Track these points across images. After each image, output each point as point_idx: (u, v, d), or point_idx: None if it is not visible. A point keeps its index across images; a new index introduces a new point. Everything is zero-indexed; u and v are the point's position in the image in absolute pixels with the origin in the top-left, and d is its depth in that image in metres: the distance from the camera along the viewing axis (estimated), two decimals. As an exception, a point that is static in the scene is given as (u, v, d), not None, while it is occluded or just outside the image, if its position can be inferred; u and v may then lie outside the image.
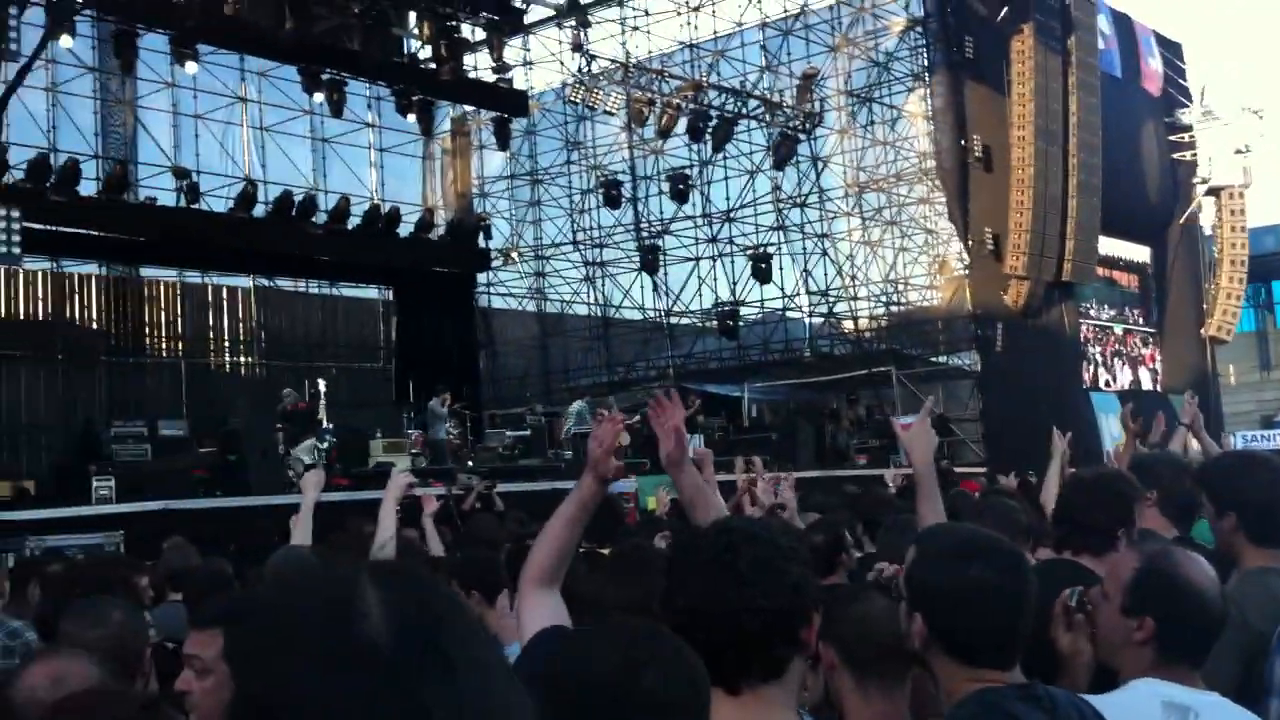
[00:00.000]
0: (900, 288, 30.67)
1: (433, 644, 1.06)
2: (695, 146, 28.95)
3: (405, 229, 26.19)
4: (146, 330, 25.67)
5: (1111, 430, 25.01)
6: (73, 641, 3.46)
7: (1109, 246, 27.85)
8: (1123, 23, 29.97)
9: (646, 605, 2.88)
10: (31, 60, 15.90)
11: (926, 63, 26.83)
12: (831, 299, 30.09)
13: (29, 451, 22.31)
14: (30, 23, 18.17)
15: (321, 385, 20.37)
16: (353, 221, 24.97)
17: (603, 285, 32.58)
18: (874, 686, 2.84)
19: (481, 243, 28.48)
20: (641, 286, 32.00)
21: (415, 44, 26.83)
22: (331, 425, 19.12)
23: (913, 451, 3.97)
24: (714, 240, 30.80)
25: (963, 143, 24.38)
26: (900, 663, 2.82)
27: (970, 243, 24.68)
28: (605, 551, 4.91)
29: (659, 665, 1.89)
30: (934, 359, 28.65)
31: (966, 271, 26.56)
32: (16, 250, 14.20)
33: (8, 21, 13.18)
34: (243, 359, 27.46)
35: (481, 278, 29.95)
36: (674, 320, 32.05)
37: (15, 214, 13.96)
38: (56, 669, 2.84)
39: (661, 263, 30.64)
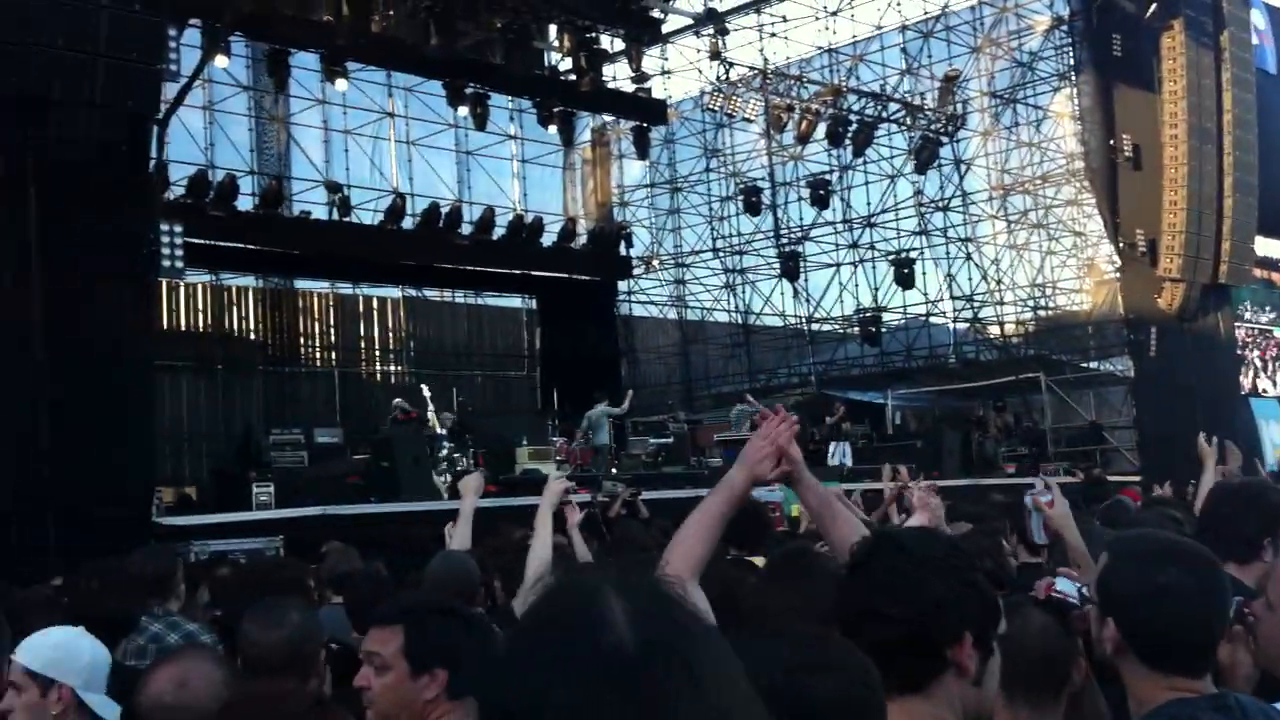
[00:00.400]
0: (1048, 291, 30.01)
1: (677, 654, 1.07)
2: (835, 151, 28.81)
3: (548, 239, 26.54)
4: (301, 340, 26.49)
5: (1274, 438, 24.19)
6: (253, 642, 3.58)
7: (1267, 247, 26.91)
8: (1276, 17, 28.95)
9: (807, 610, 2.86)
10: (191, 81, 16.39)
11: (1072, 62, 26.22)
12: (976, 304, 29.60)
13: (190, 459, 23.10)
14: (187, 44, 18.85)
15: (426, 391, 19.53)
16: (497, 232, 25.41)
17: (743, 292, 32.60)
18: (1024, 706, 2.74)
19: (622, 251, 28.71)
20: (782, 293, 31.98)
21: (555, 56, 27.18)
22: (444, 432, 18.75)
23: (1065, 531, 3.92)
24: (855, 246, 30.55)
25: (1111, 142, 23.79)
26: (1054, 682, 2.77)
27: (1121, 245, 24.05)
28: (757, 560, 4.94)
29: (828, 669, 1.89)
30: (1084, 364, 27.98)
31: (1117, 274, 25.89)
32: (179, 264, 14.65)
33: (168, 43, 13.62)
34: (393, 368, 28.14)
35: (623, 286, 30.23)
36: (815, 327, 31.89)
37: (178, 229, 14.41)
38: (180, 672, 2.92)
39: (802, 269, 30.59)
